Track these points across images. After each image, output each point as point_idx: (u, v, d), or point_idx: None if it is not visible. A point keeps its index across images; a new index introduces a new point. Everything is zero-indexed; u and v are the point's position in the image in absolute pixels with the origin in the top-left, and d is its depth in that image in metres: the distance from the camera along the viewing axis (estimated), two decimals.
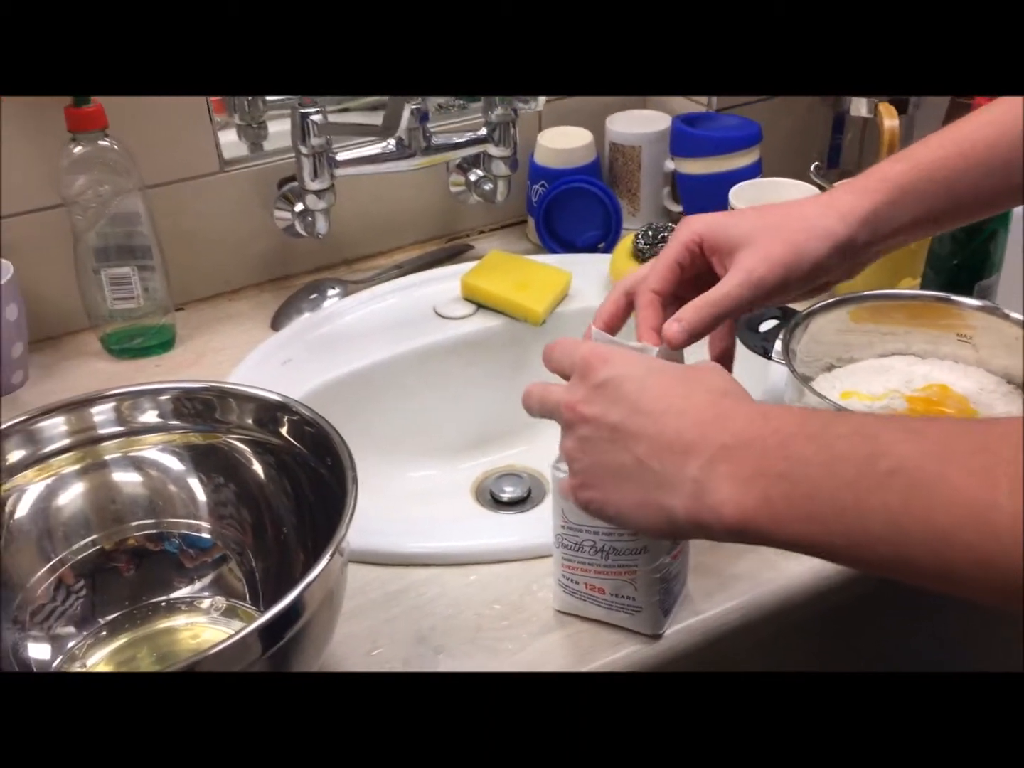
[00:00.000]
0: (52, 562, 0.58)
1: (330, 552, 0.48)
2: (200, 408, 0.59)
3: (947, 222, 0.60)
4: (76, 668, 0.58)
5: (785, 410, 0.42)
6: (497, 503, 0.84)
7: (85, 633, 0.59)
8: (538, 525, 0.62)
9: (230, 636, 0.44)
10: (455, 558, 0.64)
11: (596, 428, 0.47)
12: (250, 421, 0.58)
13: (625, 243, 0.88)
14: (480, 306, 0.88)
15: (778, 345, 0.68)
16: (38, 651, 0.57)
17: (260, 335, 0.87)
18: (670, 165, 0.97)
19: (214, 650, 0.44)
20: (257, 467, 0.59)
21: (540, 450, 0.82)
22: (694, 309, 0.53)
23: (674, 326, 0.53)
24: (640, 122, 1.00)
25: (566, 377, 0.50)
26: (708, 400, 0.44)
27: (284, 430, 0.58)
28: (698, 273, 0.57)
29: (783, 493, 0.39)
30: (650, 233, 0.86)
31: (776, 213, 0.56)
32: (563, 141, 0.96)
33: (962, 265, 0.72)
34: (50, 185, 0.80)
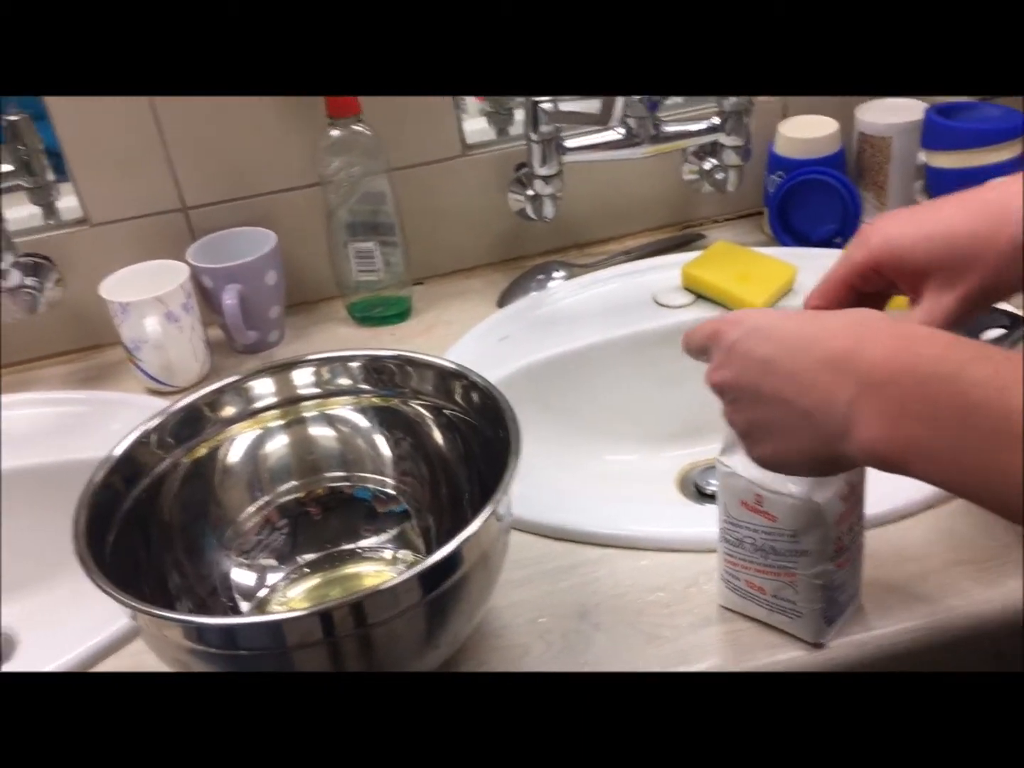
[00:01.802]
0: (259, 502, 0.65)
1: (485, 514, 0.51)
2: (385, 374, 0.64)
3: None
4: (278, 599, 0.65)
5: (925, 339, 0.41)
6: (702, 495, 0.83)
7: (287, 570, 0.66)
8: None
9: (393, 578, 0.48)
10: (626, 541, 0.65)
11: (737, 389, 0.47)
12: (429, 387, 0.62)
13: None
14: (699, 296, 0.88)
15: None
16: (245, 578, 0.64)
17: (486, 311, 0.91)
18: (922, 158, 0.91)
19: (383, 586, 0.48)
20: (436, 432, 0.63)
21: None
22: None
23: None
24: (892, 111, 0.94)
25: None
26: (844, 324, 0.44)
27: (459, 397, 0.61)
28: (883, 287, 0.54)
29: (927, 436, 0.39)
30: None
31: (959, 234, 0.50)
32: (805, 130, 0.93)
33: None
34: (310, 166, 0.89)
